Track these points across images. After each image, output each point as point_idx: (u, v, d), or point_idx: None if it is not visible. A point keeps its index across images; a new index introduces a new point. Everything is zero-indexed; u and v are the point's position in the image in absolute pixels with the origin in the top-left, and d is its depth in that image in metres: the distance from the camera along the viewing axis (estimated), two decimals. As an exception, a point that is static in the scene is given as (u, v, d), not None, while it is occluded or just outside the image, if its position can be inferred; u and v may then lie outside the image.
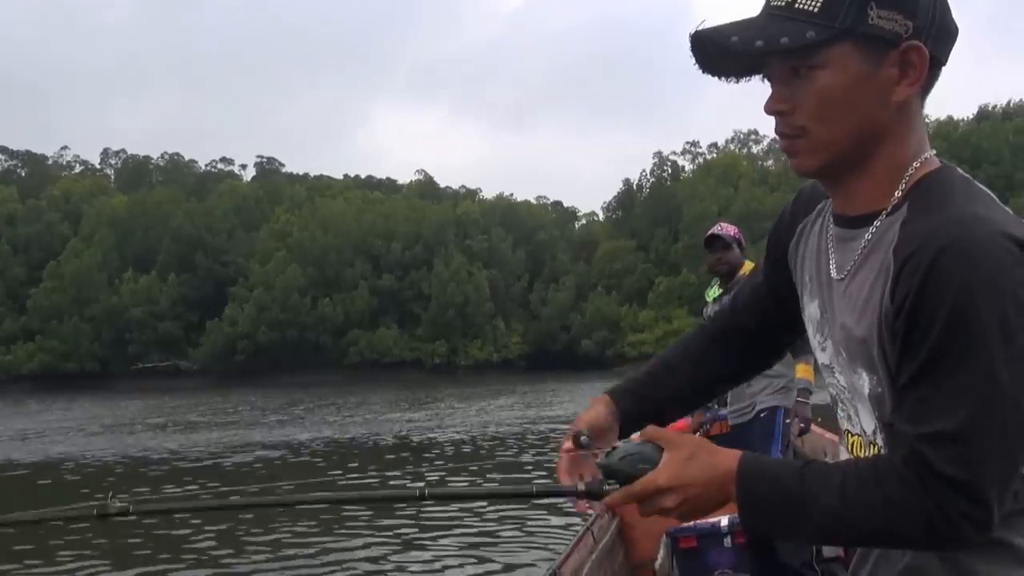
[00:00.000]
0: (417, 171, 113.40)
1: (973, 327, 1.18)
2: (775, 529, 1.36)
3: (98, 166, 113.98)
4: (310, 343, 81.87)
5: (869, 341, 1.31)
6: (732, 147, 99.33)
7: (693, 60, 1.35)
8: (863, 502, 1.25)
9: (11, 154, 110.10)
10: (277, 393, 54.76)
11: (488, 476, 14.72)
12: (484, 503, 11.73)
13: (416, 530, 11.42)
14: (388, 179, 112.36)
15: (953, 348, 1.19)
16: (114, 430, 29.90)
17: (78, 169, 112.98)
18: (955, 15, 1.33)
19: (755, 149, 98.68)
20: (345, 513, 12.42)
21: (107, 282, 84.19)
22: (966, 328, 1.18)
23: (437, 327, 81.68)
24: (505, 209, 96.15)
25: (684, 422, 7.97)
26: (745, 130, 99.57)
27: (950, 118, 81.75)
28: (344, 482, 14.00)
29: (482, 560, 9.84)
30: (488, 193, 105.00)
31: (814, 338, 1.50)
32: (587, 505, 1.54)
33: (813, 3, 1.27)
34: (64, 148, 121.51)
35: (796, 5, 1.28)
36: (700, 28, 1.33)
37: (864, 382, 1.35)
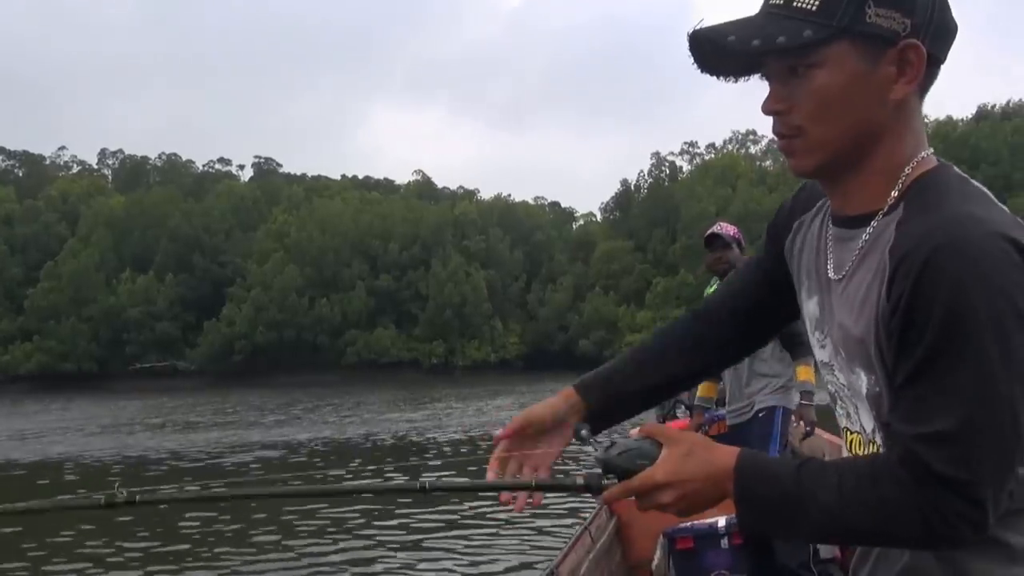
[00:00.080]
0: (415, 171, 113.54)
1: (968, 326, 1.18)
2: (772, 527, 1.36)
3: (95, 166, 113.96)
4: (308, 343, 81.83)
5: (867, 341, 1.31)
6: (730, 147, 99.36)
7: (691, 59, 1.35)
8: (859, 501, 1.26)
9: (8, 154, 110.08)
10: (275, 393, 54.77)
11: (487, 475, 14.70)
12: (482, 502, 11.74)
13: (414, 529, 11.44)
14: (386, 179, 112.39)
15: (948, 347, 1.19)
16: (113, 430, 29.93)
17: (75, 169, 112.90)
18: (955, 15, 1.33)
19: (753, 150, 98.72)
20: (344, 511, 12.45)
21: (104, 282, 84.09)
22: (961, 327, 1.18)
23: (435, 327, 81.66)
24: (503, 209, 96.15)
25: (684, 422, 8.01)
26: (743, 131, 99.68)
27: (949, 118, 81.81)
28: (344, 480, 14.02)
29: (480, 559, 9.86)
30: (486, 194, 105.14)
31: (813, 335, 1.50)
32: (526, 502, 1.55)
33: (811, 2, 1.27)
34: (61, 148, 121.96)
35: (794, 4, 1.28)
36: (698, 27, 1.32)
37: (862, 382, 1.35)
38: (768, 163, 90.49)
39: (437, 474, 15.11)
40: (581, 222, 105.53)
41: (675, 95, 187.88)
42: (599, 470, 1.45)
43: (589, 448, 1.53)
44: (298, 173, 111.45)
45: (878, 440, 1.37)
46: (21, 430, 30.85)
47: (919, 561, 1.33)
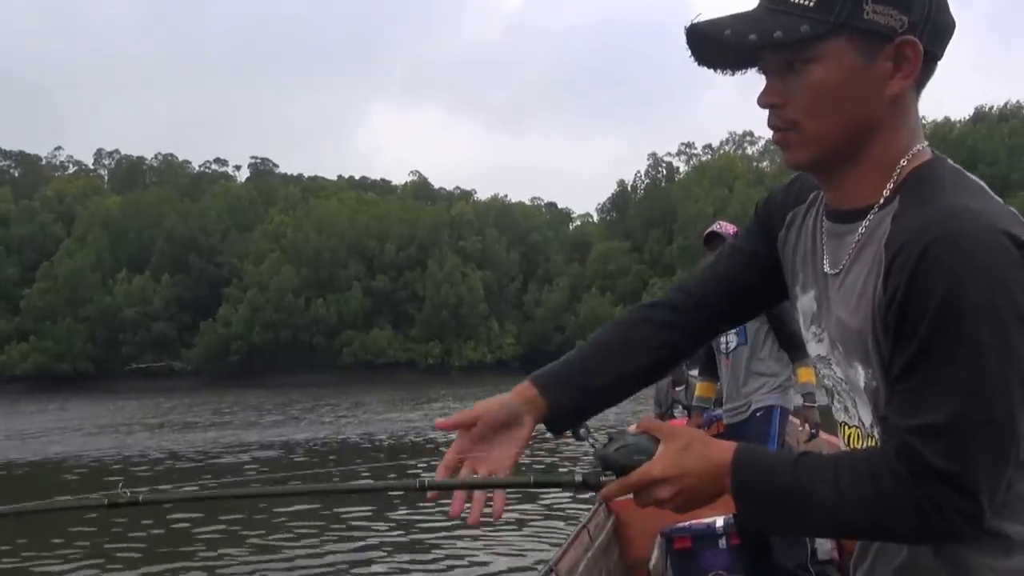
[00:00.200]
0: (411, 172, 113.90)
1: (964, 319, 1.17)
2: (770, 521, 1.35)
3: (92, 166, 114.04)
4: (304, 344, 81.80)
5: (864, 335, 1.30)
6: (727, 148, 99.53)
7: (688, 53, 1.35)
8: (856, 495, 1.26)
9: (4, 154, 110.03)
10: (271, 394, 54.79)
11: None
12: (478, 523, 11.73)
13: (412, 528, 11.46)
14: (382, 180, 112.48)
15: (944, 340, 1.19)
16: (111, 430, 29.94)
17: (72, 169, 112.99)
18: (954, 17, 1.33)
19: (750, 150, 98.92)
20: (344, 511, 12.46)
21: (101, 283, 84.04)
22: (957, 320, 1.18)
23: (431, 328, 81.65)
24: (499, 210, 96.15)
25: (682, 422, 8.03)
26: (740, 131, 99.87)
27: (947, 119, 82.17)
28: (343, 480, 14.01)
29: (478, 557, 9.88)
30: (483, 194, 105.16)
31: (808, 329, 1.50)
32: (481, 511, 1.50)
33: None
34: (58, 148, 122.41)
35: None
36: (695, 21, 1.32)
37: (860, 376, 1.35)
38: (765, 164, 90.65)
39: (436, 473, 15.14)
40: (578, 223, 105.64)
41: (672, 96, 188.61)
42: (597, 467, 1.44)
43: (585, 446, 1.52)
44: (294, 173, 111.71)
45: (876, 434, 1.36)
46: (21, 430, 30.87)
47: (917, 556, 1.33)
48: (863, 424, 1.40)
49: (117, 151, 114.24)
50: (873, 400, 1.34)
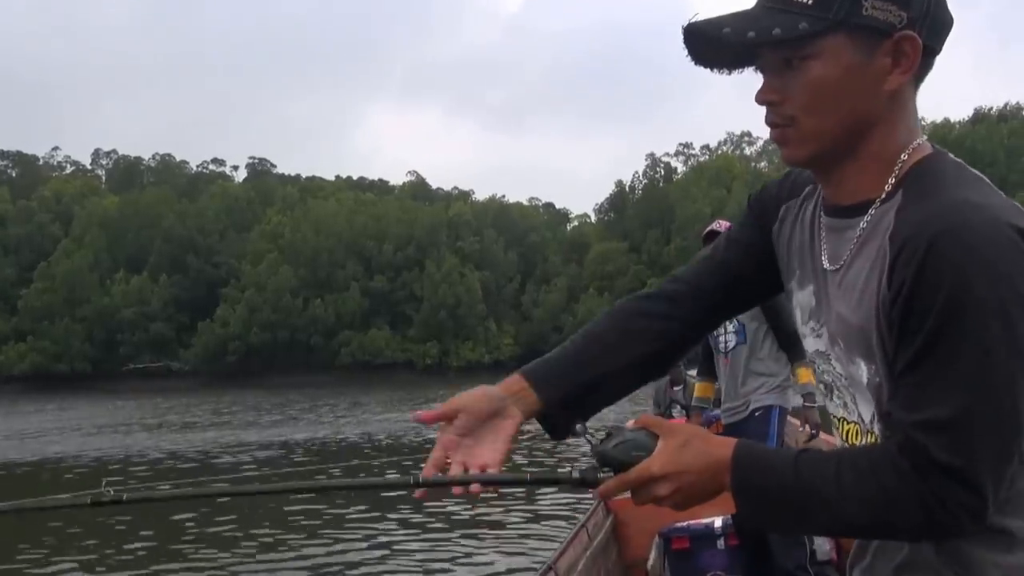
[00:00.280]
0: (409, 172, 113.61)
1: (971, 313, 1.17)
2: (770, 519, 1.34)
3: (89, 167, 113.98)
4: (302, 344, 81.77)
5: (867, 330, 1.29)
6: (725, 149, 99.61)
7: (685, 52, 1.34)
8: (859, 491, 1.25)
9: (2, 154, 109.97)
10: (269, 394, 54.80)
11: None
12: (478, 499, 11.73)
13: (410, 526, 11.46)
14: (380, 180, 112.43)
15: (950, 333, 1.18)
16: (110, 430, 29.97)
17: (69, 170, 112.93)
18: (954, 20, 1.33)
19: (748, 151, 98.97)
20: (341, 510, 12.47)
21: (98, 283, 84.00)
22: (963, 314, 1.17)
23: (429, 328, 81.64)
24: (497, 211, 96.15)
25: (680, 422, 8.01)
26: (738, 132, 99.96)
27: (946, 120, 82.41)
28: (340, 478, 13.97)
29: (477, 555, 9.89)
30: (480, 195, 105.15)
31: (806, 325, 1.48)
32: (466, 490, 1.43)
33: None
34: (55, 148, 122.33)
35: None
36: (693, 20, 1.32)
37: (862, 372, 1.34)
38: (763, 164, 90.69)
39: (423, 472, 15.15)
40: (575, 223, 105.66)
41: (670, 97, 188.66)
42: (594, 463, 1.42)
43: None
44: (292, 174, 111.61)
45: (876, 430, 1.36)
46: (20, 430, 30.88)
47: (919, 552, 1.32)
48: (862, 420, 1.39)
49: (115, 151, 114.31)
50: (876, 396, 1.33)
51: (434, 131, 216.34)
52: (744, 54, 1.35)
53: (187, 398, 53.76)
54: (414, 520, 11.71)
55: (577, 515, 8.25)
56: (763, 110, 1.36)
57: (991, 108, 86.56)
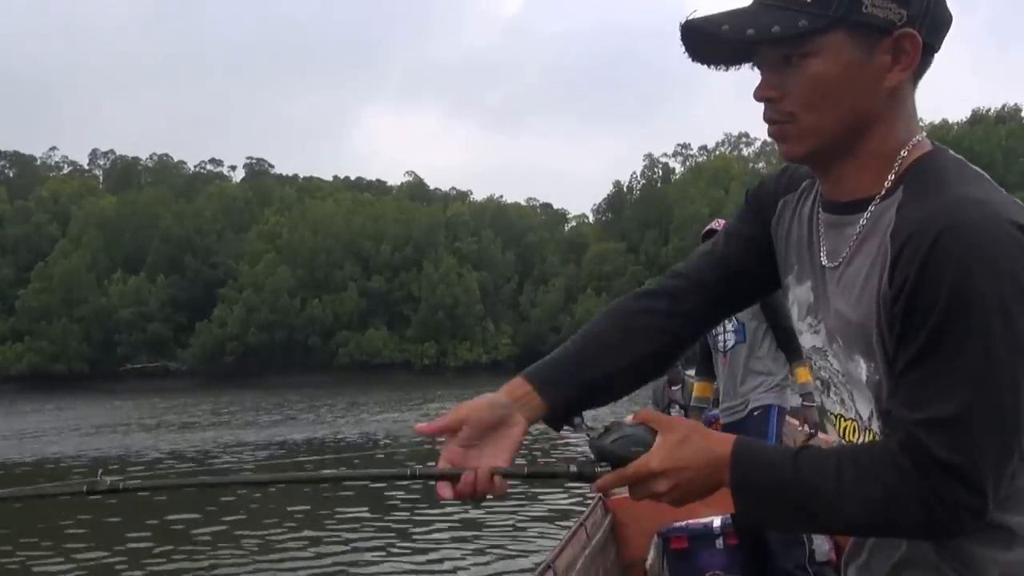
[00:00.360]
0: (407, 173, 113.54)
1: (975, 310, 1.16)
2: (769, 516, 1.34)
3: (87, 167, 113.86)
4: (299, 344, 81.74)
5: (867, 328, 1.29)
6: (723, 150, 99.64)
7: (683, 49, 1.34)
8: (858, 489, 1.24)
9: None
10: (267, 394, 54.84)
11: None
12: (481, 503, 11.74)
13: (408, 525, 11.46)
14: (378, 181, 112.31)
15: (953, 331, 1.18)
16: (109, 430, 30.02)
17: (67, 170, 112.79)
18: (954, 21, 1.33)
19: (746, 152, 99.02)
20: (340, 509, 12.50)
21: (96, 283, 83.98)
22: (967, 311, 1.17)
23: (427, 328, 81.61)
24: (495, 211, 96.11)
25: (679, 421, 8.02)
26: (736, 133, 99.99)
27: (944, 121, 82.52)
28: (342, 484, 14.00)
29: (474, 554, 9.91)
30: (478, 195, 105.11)
31: (803, 320, 1.47)
32: (451, 492, 1.41)
33: None
34: (52, 148, 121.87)
35: None
36: (691, 17, 1.32)
37: (861, 369, 1.33)
38: (761, 165, 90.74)
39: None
40: (573, 223, 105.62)
41: (669, 98, 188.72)
42: (592, 457, 1.41)
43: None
44: (290, 174, 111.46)
45: (874, 427, 1.35)
46: (19, 430, 30.88)
47: (917, 549, 1.31)
48: (860, 417, 1.38)
49: (112, 151, 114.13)
50: (875, 393, 1.32)
51: (432, 132, 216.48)
52: (742, 51, 1.34)
53: (185, 398, 53.78)
54: (412, 519, 11.72)
55: (575, 514, 8.25)
56: (761, 111, 1.36)
57: (989, 109, 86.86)
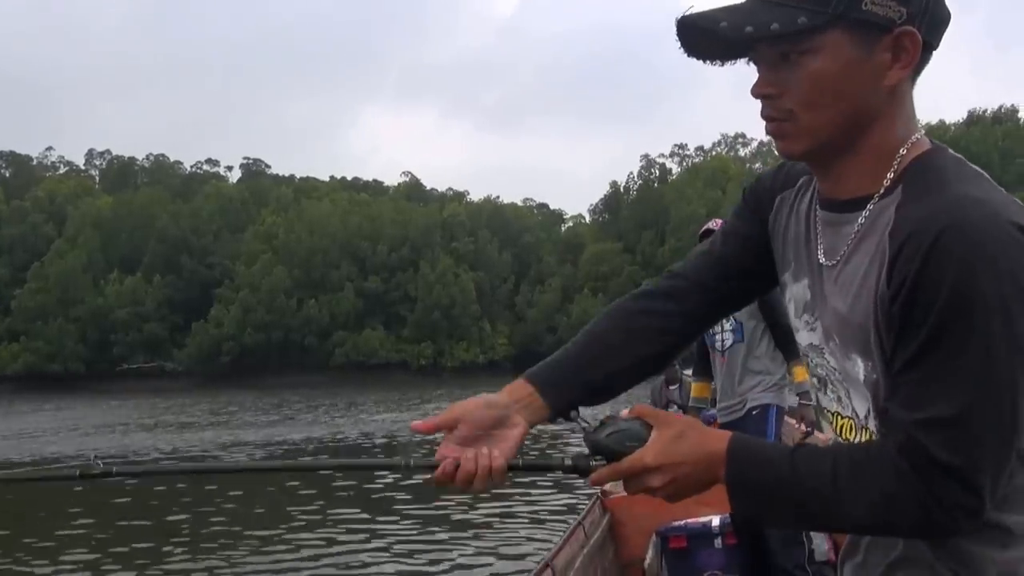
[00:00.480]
0: (404, 173, 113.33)
1: (975, 310, 1.16)
2: (764, 513, 1.35)
3: (83, 167, 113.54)
4: (296, 344, 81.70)
5: (865, 327, 1.28)
6: (719, 150, 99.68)
7: (678, 44, 1.33)
8: (855, 490, 1.24)
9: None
10: (264, 394, 54.84)
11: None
12: (478, 496, 11.77)
13: (406, 523, 11.48)
14: (375, 181, 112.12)
15: (954, 329, 1.17)
16: (106, 430, 30.04)
17: (63, 170, 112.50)
18: (952, 22, 1.33)
19: (743, 152, 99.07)
20: (339, 508, 12.51)
21: (92, 283, 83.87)
22: (968, 310, 1.16)
23: (423, 329, 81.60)
24: (491, 211, 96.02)
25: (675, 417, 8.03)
26: (732, 133, 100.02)
27: (941, 122, 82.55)
28: (339, 483, 14.02)
29: (472, 552, 9.93)
30: (475, 196, 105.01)
31: (800, 318, 1.47)
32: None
33: None
34: (49, 149, 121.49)
35: None
36: (688, 13, 1.30)
37: (859, 368, 1.32)
38: (758, 166, 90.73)
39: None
40: (570, 224, 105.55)
41: (666, 99, 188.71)
42: (587, 451, 1.41)
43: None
44: (286, 175, 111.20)
45: (870, 426, 1.34)
46: (18, 430, 30.89)
47: (914, 548, 1.31)
48: (856, 415, 1.37)
49: (108, 151, 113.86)
50: (872, 392, 1.32)
51: (429, 132, 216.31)
52: (738, 46, 1.33)
53: (182, 398, 53.80)
54: (410, 518, 11.73)
55: (574, 514, 8.28)
56: (757, 110, 1.35)
57: (985, 110, 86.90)
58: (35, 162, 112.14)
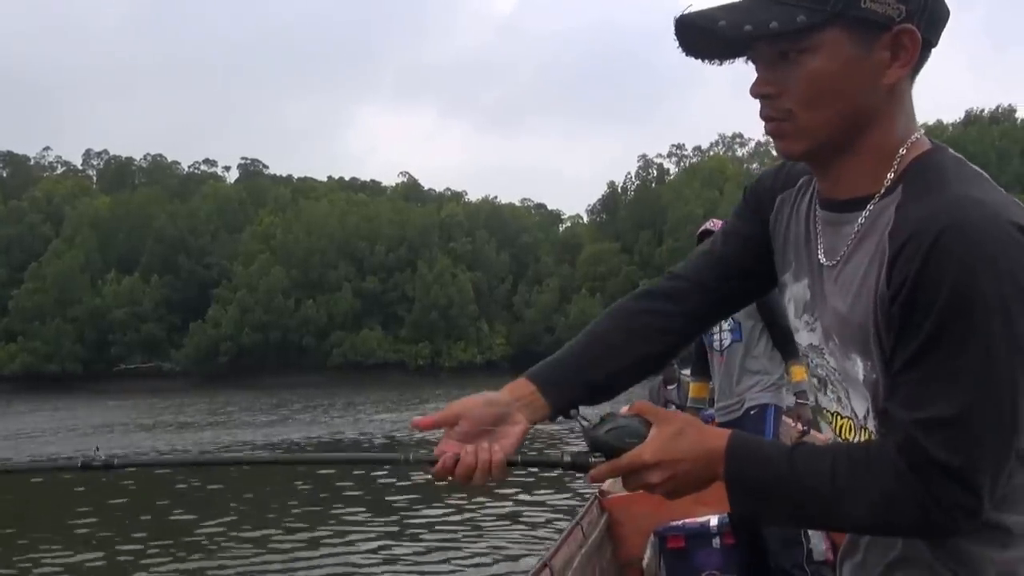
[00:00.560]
0: (401, 173, 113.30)
1: (976, 310, 1.16)
2: (763, 511, 1.34)
3: (80, 167, 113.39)
4: (294, 345, 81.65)
5: (865, 327, 1.28)
6: (717, 150, 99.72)
7: (677, 43, 1.32)
8: (854, 489, 1.24)
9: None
10: (262, 394, 54.81)
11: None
12: (477, 495, 11.81)
13: (405, 523, 11.49)
14: (372, 181, 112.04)
15: (954, 331, 1.17)
16: (105, 430, 30.06)
17: (60, 170, 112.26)
18: (952, 23, 1.32)
19: (740, 152, 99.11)
20: (338, 506, 12.51)
21: (89, 283, 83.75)
22: (968, 311, 1.16)
23: (421, 329, 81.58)
24: (489, 212, 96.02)
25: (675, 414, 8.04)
26: (730, 133, 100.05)
27: (939, 122, 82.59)
28: (340, 482, 14.03)
29: (471, 552, 9.94)
30: (473, 196, 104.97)
31: (800, 318, 1.47)
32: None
33: None
34: (46, 149, 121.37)
35: None
36: (686, 12, 1.30)
37: (858, 368, 1.32)
38: (756, 166, 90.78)
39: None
40: (568, 224, 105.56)
41: (665, 99, 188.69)
42: (586, 448, 1.42)
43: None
44: (284, 175, 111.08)
45: (870, 426, 1.34)
46: (17, 431, 30.90)
47: (913, 548, 1.31)
48: (856, 415, 1.38)
49: (106, 151, 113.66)
50: (871, 392, 1.32)
51: (427, 132, 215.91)
52: (736, 45, 1.32)
53: (180, 398, 53.77)
54: (409, 517, 11.74)
55: (572, 513, 8.29)
56: (755, 110, 1.34)
57: (983, 110, 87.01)
58: (32, 162, 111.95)
